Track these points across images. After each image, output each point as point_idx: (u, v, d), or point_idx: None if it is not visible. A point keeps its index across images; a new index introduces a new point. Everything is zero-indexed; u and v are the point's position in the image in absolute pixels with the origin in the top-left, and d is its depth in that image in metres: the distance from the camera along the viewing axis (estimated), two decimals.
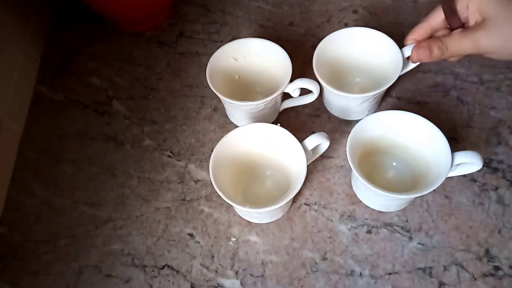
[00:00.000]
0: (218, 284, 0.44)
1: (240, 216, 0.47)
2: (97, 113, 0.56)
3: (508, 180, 0.47)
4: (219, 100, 0.54)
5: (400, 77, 0.56)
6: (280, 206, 0.40)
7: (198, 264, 0.45)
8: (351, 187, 0.48)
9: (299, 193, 0.47)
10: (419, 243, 0.44)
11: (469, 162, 0.41)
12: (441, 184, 0.39)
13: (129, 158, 0.52)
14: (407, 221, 0.46)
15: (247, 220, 0.47)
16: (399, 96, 0.54)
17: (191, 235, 0.46)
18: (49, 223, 0.48)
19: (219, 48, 0.49)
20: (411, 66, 0.49)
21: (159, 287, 0.44)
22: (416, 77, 0.56)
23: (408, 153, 0.46)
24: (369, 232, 0.45)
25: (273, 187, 0.47)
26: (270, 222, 0.47)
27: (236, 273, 0.44)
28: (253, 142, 0.45)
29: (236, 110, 0.49)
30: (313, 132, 0.43)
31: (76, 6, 0.65)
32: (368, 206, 0.47)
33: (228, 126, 0.53)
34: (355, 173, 0.41)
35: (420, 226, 0.45)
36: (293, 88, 0.47)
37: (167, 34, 0.62)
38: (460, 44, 0.42)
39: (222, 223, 0.47)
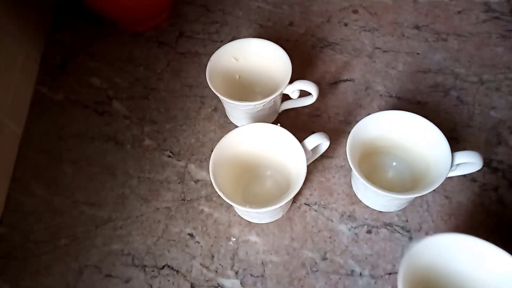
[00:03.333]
0: (218, 284, 0.44)
1: (240, 216, 0.47)
2: (97, 113, 0.56)
3: (508, 180, 0.47)
4: (219, 100, 0.54)
5: (400, 77, 0.56)
6: (280, 206, 0.40)
7: (198, 264, 0.45)
8: (351, 187, 0.48)
9: (299, 193, 0.47)
10: None
11: (469, 162, 0.41)
12: (441, 184, 0.39)
13: (129, 158, 0.52)
14: (407, 221, 0.46)
15: (247, 220, 0.47)
16: (399, 96, 0.54)
17: (191, 235, 0.46)
18: (49, 223, 0.48)
19: (219, 48, 0.49)
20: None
21: (159, 287, 0.44)
22: (416, 77, 0.56)
23: (408, 153, 0.46)
24: (369, 232, 0.45)
25: (273, 187, 0.47)
26: (270, 222, 0.47)
27: (236, 273, 0.44)
28: (253, 142, 0.45)
29: (236, 110, 0.49)
30: (313, 132, 0.43)
31: (76, 6, 0.65)
32: (368, 206, 0.47)
33: (228, 126, 0.53)
34: (355, 173, 0.41)
35: (420, 226, 0.45)
36: (292, 90, 0.47)
37: (167, 34, 0.62)
38: None
39: (222, 223, 0.47)
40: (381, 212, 0.46)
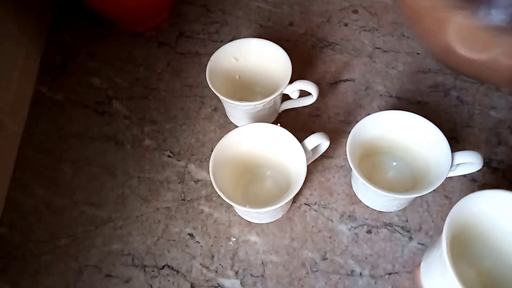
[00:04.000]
0: (218, 284, 0.44)
1: (240, 216, 0.47)
2: (97, 113, 0.56)
3: (508, 180, 0.47)
4: (219, 100, 0.54)
5: (400, 77, 0.56)
6: (280, 206, 0.40)
7: (198, 264, 0.45)
8: (351, 187, 0.48)
9: (299, 193, 0.47)
10: (419, 243, 0.44)
11: (469, 162, 0.41)
12: (441, 184, 0.39)
13: (129, 158, 0.52)
14: (407, 221, 0.46)
15: (247, 220, 0.47)
16: (399, 96, 0.54)
17: (191, 235, 0.46)
18: (49, 223, 0.48)
19: (219, 48, 0.49)
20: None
21: (159, 287, 0.44)
22: (416, 77, 0.56)
23: (408, 153, 0.46)
24: (369, 232, 0.45)
25: (273, 187, 0.47)
26: (270, 222, 0.47)
27: (236, 273, 0.44)
28: (253, 142, 0.45)
29: (235, 110, 0.49)
30: (313, 132, 0.43)
31: (76, 6, 0.65)
32: (368, 206, 0.47)
33: (228, 126, 0.54)
34: (355, 173, 0.41)
35: (420, 226, 0.45)
36: (292, 90, 0.47)
37: (167, 34, 0.62)
38: None
39: (222, 223, 0.47)
40: (381, 212, 0.46)
